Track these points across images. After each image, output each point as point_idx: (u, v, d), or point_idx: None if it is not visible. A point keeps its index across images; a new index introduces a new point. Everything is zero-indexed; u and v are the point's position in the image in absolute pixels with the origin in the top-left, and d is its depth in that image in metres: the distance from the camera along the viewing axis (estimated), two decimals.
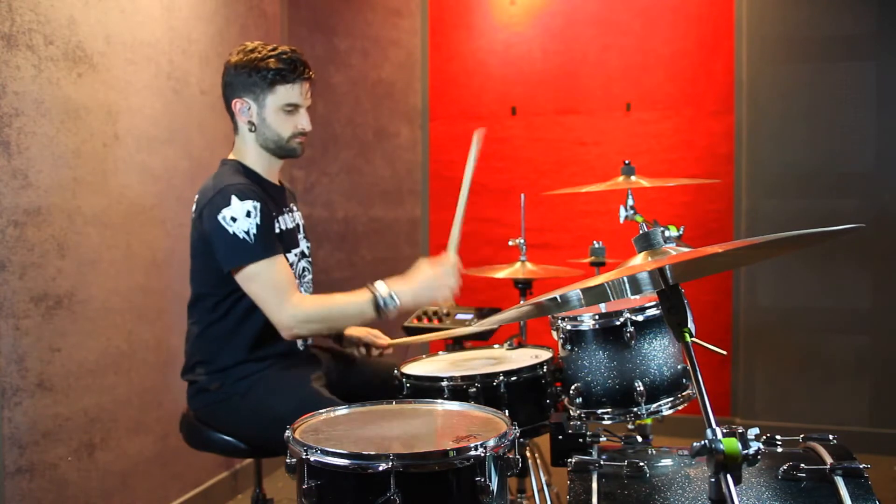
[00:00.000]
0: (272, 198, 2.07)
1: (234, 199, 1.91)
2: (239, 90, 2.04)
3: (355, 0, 4.05)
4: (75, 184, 2.42)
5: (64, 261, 2.37)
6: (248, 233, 1.90)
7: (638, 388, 1.78)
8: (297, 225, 2.19)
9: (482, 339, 2.68)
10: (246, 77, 2.02)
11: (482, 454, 1.34)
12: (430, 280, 1.98)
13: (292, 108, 2.05)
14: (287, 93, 2.03)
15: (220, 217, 1.91)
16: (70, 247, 2.40)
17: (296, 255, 2.11)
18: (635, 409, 1.80)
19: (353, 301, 1.95)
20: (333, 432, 1.52)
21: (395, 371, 2.04)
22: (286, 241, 2.06)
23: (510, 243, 2.62)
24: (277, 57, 2.01)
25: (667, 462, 1.52)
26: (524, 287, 2.64)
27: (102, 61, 2.53)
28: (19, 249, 2.23)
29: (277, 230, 2.03)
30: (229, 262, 1.93)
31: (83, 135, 2.45)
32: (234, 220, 1.90)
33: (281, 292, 1.92)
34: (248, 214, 1.91)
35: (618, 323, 1.83)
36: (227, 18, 3.22)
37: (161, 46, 2.82)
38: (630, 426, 2.12)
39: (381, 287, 1.94)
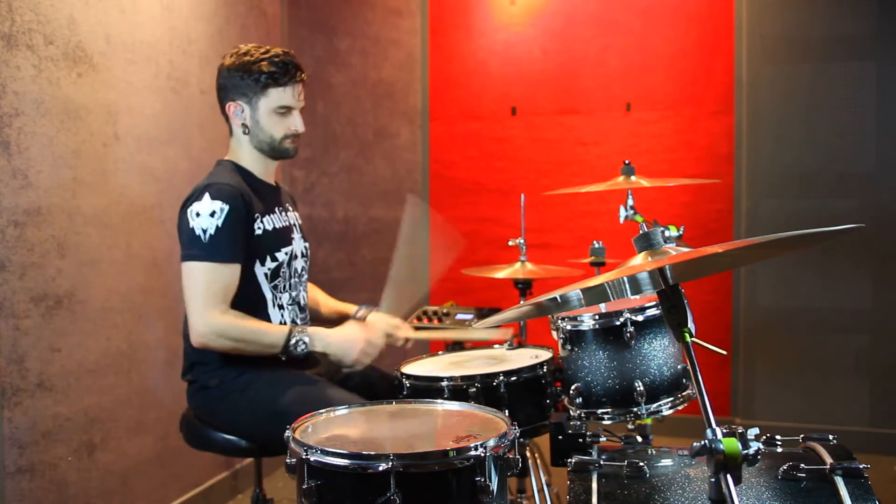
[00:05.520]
0: (263, 197, 2.08)
1: (206, 196, 1.94)
2: (232, 93, 2.06)
3: (355, 0, 4.05)
4: (75, 184, 2.42)
5: (64, 261, 2.37)
6: (205, 231, 1.91)
7: (638, 388, 1.79)
8: (292, 225, 2.18)
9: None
10: (238, 80, 2.03)
11: (482, 454, 1.34)
12: (349, 340, 2.00)
13: (285, 111, 2.06)
14: (279, 96, 2.04)
15: (189, 210, 1.94)
16: (70, 247, 2.40)
17: (286, 253, 2.10)
18: (635, 409, 1.81)
19: (270, 331, 1.97)
20: (333, 432, 1.52)
21: (395, 371, 2.03)
22: (274, 240, 2.07)
23: (510, 243, 2.61)
24: (269, 60, 2.02)
25: (667, 462, 1.52)
26: (524, 287, 2.63)
27: (102, 61, 2.53)
28: (19, 249, 2.23)
29: (260, 230, 2.02)
30: (181, 254, 1.95)
31: (83, 135, 2.45)
32: (198, 215, 1.92)
33: (210, 299, 1.91)
34: (213, 214, 1.92)
35: (618, 323, 1.83)
36: (227, 18, 3.22)
37: (161, 46, 2.82)
38: (630, 426, 2.12)
39: (300, 328, 1.97)
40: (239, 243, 1.97)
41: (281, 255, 2.08)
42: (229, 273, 1.95)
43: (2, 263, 2.18)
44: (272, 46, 2.07)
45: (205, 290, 1.91)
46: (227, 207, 1.93)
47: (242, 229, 1.98)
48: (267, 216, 2.06)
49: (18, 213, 2.23)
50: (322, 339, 1.98)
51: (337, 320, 2.34)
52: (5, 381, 2.18)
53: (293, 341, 1.94)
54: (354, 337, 2.01)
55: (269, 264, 2.05)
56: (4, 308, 2.18)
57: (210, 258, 1.91)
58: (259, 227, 2.02)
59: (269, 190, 2.14)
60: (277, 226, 2.10)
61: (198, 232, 1.91)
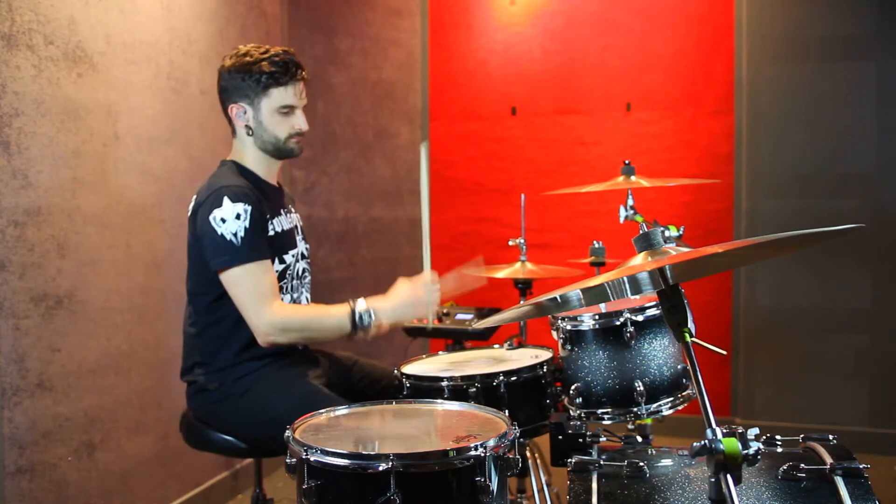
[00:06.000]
0: (269, 199, 2.08)
1: (225, 200, 1.92)
2: (234, 95, 2.05)
3: (355, 0, 4.05)
4: (75, 184, 2.42)
5: (64, 261, 2.37)
6: (235, 235, 1.91)
7: (638, 388, 1.78)
8: (296, 226, 2.19)
9: (482, 339, 2.68)
10: (240, 81, 2.02)
11: (482, 454, 1.34)
12: (408, 298, 2.02)
13: (288, 110, 2.06)
14: (281, 95, 2.03)
15: (211, 218, 1.92)
16: (70, 247, 2.40)
17: (293, 255, 2.11)
18: (635, 409, 1.80)
19: (332, 313, 1.97)
20: (333, 432, 1.52)
21: (395, 371, 2.04)
22: (283, 243, 2.07)
23: (510, 243, 2.61)
24: (269, 60, 2.01)
25: (667, 462, 1.52)
26: (524, 287, 2.63)
27: (102, 61, 2.53)
28: (19, 249, 2.23)
29: (273, 232, 2.03)
30: (215, 262, 1.94)
31: (83, 135, 2.45)
32: (223, 221, 1.91)
33: (261, 298, 1.92)
34: (238, 217, 1.92)
35: (618, 323, 1.83)
36: (227, 18, 3.22)
37: (161, 46, 2.82)
38: (630, 426, 2.12)
39: (360, 303, 1.96)
40: (265, 239, 1.99)
41: (288, 258, 2.08)
42: (269, 268, 1.97)
43: (2, 263, 2.18)
44: (271, 46, 2.06)
45: (255, 291, 1.92)
46: (249, 207, 1.94)
47: (264, 226, 2.00)
48: (276, 218, 2.07)
49: (18, 213, 2.23)
50: (384, 310, 1.98)
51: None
52: (5, 381, 2.18)
53: (358, 319, 1.94)
54: (411, 294, 2.03)
55: (277, 266, 2.05)
56: (4, 308, 2.18)
57: (249, 259, 1.92)
58: (272, 229, 2.03)
59: (272, 191, 2.14)
60: (285, 227, 2.10)
61: (228, 237, 1.91)
